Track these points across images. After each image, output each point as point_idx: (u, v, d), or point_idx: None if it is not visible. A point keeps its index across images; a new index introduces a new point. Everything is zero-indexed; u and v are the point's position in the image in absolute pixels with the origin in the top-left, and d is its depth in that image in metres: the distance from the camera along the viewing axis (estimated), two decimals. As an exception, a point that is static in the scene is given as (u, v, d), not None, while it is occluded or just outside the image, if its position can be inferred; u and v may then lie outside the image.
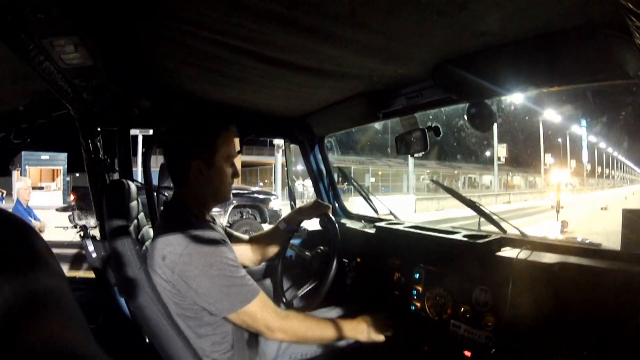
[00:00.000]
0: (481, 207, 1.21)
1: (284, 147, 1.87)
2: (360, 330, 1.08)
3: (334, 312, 1.27)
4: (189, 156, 1.00)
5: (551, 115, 27.24)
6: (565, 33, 0.74)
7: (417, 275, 1.25)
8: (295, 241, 1.54)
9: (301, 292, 1.36)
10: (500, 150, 23.51)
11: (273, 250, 1.35)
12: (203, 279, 0.91)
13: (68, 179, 14.36)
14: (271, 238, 1.35)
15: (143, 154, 1.63)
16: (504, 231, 1.17)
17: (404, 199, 13.14)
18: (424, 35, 0.82)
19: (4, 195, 11.50)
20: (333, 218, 1.37)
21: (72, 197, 6.55)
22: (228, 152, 1.04)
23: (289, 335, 0.98)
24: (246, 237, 1.37)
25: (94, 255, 1.21)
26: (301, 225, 1.44)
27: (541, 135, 26.61)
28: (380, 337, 1.09)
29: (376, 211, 1.73)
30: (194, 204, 1.03)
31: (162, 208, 1.08)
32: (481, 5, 0.69)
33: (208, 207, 1.09)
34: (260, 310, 0.94)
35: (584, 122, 30.02)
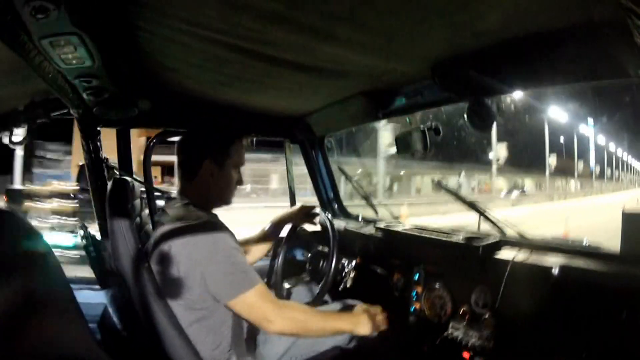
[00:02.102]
0: (481, 209, 1.21)
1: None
2: (358, 323, 1.05)
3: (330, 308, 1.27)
4: (203, 155, 1.06)
5: (557, 113, 21.35)
6: (565, 32, 0.74)
7: (416, 276, 1.24)
8: (295, 241, 1.54)
9: (302, 291, 1.37)
10: (500, 151, 16.65)
11: (258, 253, 1.40)
12: (210, 263, 0.93)
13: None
14: (259, 241, 1.40)
15: (144, 153, 1.62)
16: (504, 233, 1.17)
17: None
18: (423, 34, 0.82)
19: None
20: (331, 218, 1.38)
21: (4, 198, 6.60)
22: (238, 160, 1.11)
23: (289, 327, 0.97)
24: None
25: (94, 254, 1.21)
26: (297, 229, 1.48)
27: (546, 132, 21.18)
28: (377, 331, 1.07)
29: (376, 212, 1.73)
30: (198, 201, 1.06)
31: (163, 204, 1.10)
32: (481, 4, 0.69)
33: (211, 206, 1.11)
34: (258, 299, 0.95)
35: (590, 121, 25.73)
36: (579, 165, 26.29)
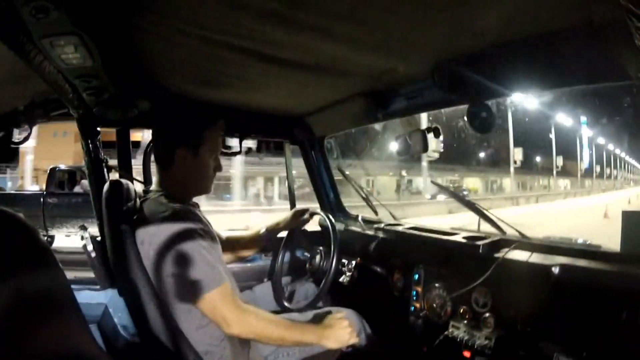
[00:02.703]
0: (481, 209, 1.21)
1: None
2: (323, 336, 1.02)
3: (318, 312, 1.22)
4: (175, 143, 1.05)
5: (527, 100, 14.74)
6: (566, 33, 0.74)
7: (416, 276, 1.24)
8: (295, 241, 1.54)
9: (302, 291, 1.37)
10: (434, 143, 7.39)
11: (247, 252, 1.42)
12: (172, 261, 0.91)
13: None
14: (249, 241, 1.41)
15: (144, 153, 1.62)
16: (504, 232, 1.17)
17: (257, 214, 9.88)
18: (423, 33, 0.82)
19: None
20: (332, 219, 1.38)
21: None
22: (213, 146, 1.09)
23: (246, 332, 0.95)
24: (222, 234, 1.36)
25: (94, 254, 1.21)
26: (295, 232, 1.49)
27: (509, 121, 17.29)
28: (345, 344, 1.04)
29: (376, 212, 1.73)
30: (175, 190, 1.06)
31: (140, 196, 1.10)
32: (481, 3, 0.69)
33: (188, 196, 1.11)
34: (220, 300, 0.92)
35: (584, 119, 21.83)
36: (558, 161, 22.52)
